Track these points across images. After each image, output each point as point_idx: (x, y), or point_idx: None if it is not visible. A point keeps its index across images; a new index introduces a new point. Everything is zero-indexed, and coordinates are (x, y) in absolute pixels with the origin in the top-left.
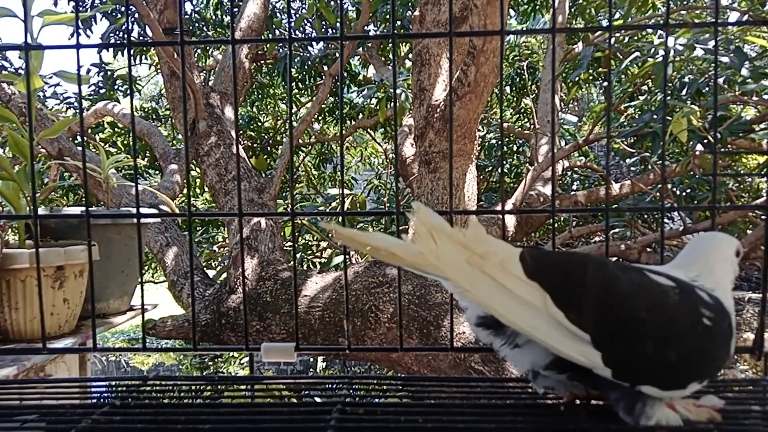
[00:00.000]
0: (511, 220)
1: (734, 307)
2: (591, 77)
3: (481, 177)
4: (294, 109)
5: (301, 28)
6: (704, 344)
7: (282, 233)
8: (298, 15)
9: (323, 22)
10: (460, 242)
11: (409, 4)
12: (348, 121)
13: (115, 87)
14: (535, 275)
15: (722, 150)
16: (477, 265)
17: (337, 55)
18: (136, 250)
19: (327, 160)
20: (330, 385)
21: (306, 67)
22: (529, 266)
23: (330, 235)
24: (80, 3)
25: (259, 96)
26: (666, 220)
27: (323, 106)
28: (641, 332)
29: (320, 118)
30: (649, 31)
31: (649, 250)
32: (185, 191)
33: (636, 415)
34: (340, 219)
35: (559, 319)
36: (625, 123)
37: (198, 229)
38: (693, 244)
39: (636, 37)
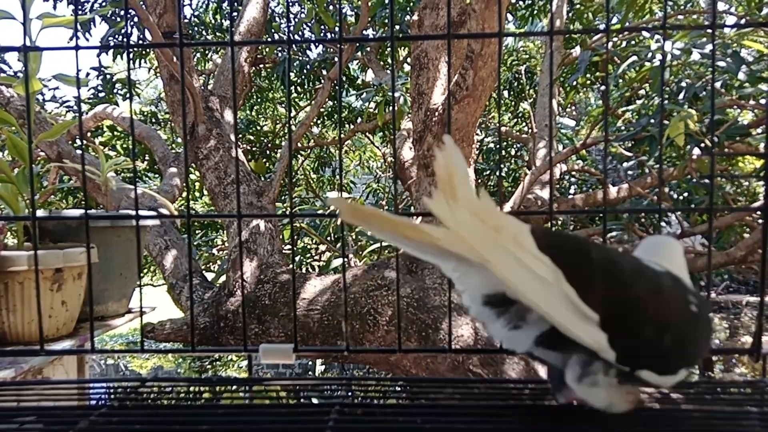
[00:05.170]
0: None
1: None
2: (588, 81)
3: (479, 180)
4: (293, 113)
5: (300, 32)
6: (693, 330)
7: (281, 236)
8: (297, 19)
9: (322, 27)
10: (472, 211)
11: (408, 8)
12: (347, 125)
13: (114, 90)
14: (547, 251)
15: (719, 153)
16: (492, 237)
17: (336, 58)
18: (134, 253)
19: (326, 163)
20: (328, 387)
21: (305, 71)
22: (541, 242)
23: (337, 212)
24: (79, 6)
25: (258, 100)
26: (663, 224)
27: (322, 109)
28: (643, 315)
29: (319, 121)
30: (647, 35)
31: None
32: (185, 194)
33: (582, 384)
34: (339, 220)
35: (570, 296)
36: (623, 127)
37: (197, 232)
38: (648, 245)
39: (633, 42)
